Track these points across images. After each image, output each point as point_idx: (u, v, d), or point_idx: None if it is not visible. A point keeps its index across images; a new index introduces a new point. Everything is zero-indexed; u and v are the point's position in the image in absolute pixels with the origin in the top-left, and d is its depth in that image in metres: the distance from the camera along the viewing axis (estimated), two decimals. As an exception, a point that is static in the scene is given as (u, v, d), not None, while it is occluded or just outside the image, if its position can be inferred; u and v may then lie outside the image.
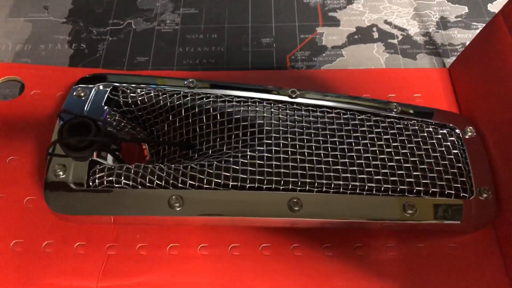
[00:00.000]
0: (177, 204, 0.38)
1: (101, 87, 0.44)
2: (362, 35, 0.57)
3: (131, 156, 0.46)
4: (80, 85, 0.45)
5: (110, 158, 0.42)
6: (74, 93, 0.44)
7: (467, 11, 0.59)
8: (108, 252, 0.42)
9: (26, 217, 0.43)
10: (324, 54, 0.56)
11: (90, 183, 0.39)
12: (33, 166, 0.45)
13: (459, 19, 0.59)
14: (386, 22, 0.58)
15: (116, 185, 0.39)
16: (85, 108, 0.43)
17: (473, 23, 0.58)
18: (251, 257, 0.42)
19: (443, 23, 0.58)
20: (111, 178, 0.39)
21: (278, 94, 0.45)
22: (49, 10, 0.60)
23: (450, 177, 0.42)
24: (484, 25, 0.47)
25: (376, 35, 0.57)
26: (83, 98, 0.44)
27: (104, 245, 0.42)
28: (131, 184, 0.39)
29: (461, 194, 0.41)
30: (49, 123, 0.46)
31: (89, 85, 0.45)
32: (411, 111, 0.46)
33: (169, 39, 0.57)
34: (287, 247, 0.42)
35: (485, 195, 0.42)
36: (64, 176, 0.39)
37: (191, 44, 0.57)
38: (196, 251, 0.42)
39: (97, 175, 0.39)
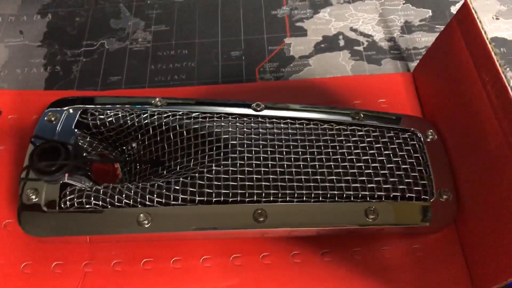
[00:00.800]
0: (146, 221, 0.40)
1: (71, 111, 0.46)
2: (329, 44, 0.59)
3: (105, 175, 0.47)
4: (51, 110, 0.46)
5: (83, 178, 0.43)
6: (45, 118, 0.46)
7: (430, 14, 0.61)
8: (84, 270, 0.43)
9: (4, 240, 0.44)
10: (292, 65, 0.57)
11: (62, 205, 0.41)
12: (10, 190, 0.47)
13: (423, 22, 0.60)
14: (352, 29, 0.60)
15: (87, 206, 0.41)
16: (56, 132, 0.45)
17: (437, 26, 0.60)
18: (223, 267, 0.43)
19: (408, 27, 0.60)
20: (81, 200, 0.40)
21: (243, 107, 0.47)
22: (24, 35, 0.61)
23: (411, 180, 0.43)
24: (444, 28, 0.49)
25: (342, 43, 0.59)
26: (53, 122, 0.45)
27: (80, 263, 0.43)
28: (100, 204, 0.40)
29: (422, 197, 0.43)
30: (25, 147, 0.48)
31: (61, 109, 0.46)
32: (374, 117, 0.47)
33: (141, 57, 0.59)
34: (256, 256, 0.44)
35: (445, 197, 0.43)
36: (36, 199, 0.41)
37: (163, 61, 0.58)
38: (169, 264, 0.43)
39: (68, 197, 0.41)
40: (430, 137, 0.47)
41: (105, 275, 0.43)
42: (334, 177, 0.43)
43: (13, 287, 0.42)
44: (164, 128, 0.45)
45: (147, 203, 0.41)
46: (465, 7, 0.45)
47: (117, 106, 0.46)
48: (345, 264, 0.43)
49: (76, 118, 0.45)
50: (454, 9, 0.61)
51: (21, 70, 0.58)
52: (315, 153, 0.44)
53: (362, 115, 0.47)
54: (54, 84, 0.57)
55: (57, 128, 0.45)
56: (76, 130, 0.45)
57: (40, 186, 0.41)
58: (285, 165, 0.43)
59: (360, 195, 0.42)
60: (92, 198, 0.40)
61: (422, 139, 0.46)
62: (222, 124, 0.45)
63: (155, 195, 0.41)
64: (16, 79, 0.57)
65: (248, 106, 0.47)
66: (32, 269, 0.43)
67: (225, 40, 0.60)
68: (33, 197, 0.41)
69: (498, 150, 0.39)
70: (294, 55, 0.58)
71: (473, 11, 0.44)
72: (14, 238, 0.44)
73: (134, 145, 0.46)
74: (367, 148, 0.45)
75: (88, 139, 0.46)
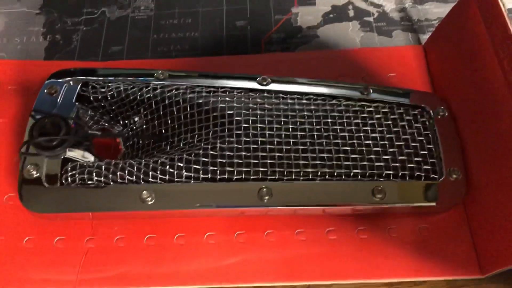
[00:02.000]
0: (149, 199, 0.39)
1: (71, 83, 0.45)
2: (338, 14, 0.57)
3: (107, 150, 0.46)
4: (51, 81, 0.45)
5: (85, 153, 0.42)
6: (45, 91, 0.44)
7: (444, -17, 0.58)
8: (87, 245, 0.43)
9: (6, 214, 0.44)
10: (299, 36, 0.55)
11: (63, 181, 0.40)
12: (11, 163, 0.46)
13: (437, -8, 0.58)
14: (362, -2, 0.58)
15: (89, 182, 0.40)
16: (57, 105, 0.43)
17: (450, -4, 0.57)
18: (227, 244, 0.43)
19: (420, -3, 0.57)
20: (83, 176, 0.40)
21: (249, 81, 0.45)
22: (22, 1, 0.59)
23: (420, 159, 0.42)
24: (459, -1, 0.46)
25: (351, 13, 0.56)
26: (54, 95, 0.44)
27: (83, 239, 0.43)
28: (103, 180, 0.40)
29: (431, 176, 0.42)
30: (25, 119, 0.47)
31: (62, 80, 0.45)
32: (383, 93, 0.46)
33: (144, 26, 0.57)
34: (261, 233, 0.43)
35: (454, 176, 0.42)
36: (37, 175, 0.40)
37: (166, 30, 0.56)
38: (172, 241, 0.43)
39: (69, 173, 0.40)
40: (441, 114, 0.45)
41: (108, 251, 0.43)
42: (342, 155, 0.42)
43: (15, 261, 0.42)
44: (167, 102, 0.43)
45: (150, 179, 0.40)
46: (483, -22, 0.43)
47: (119, 78, 0.45)
48: (351, 242, 0.43)
49: (77, 91, 0.44)
50: (469, -22, 0.58)
51: (20, 39, 0.56)
52: (322, 130, 0.43)
53: (371, 90, 0.45)
54: (54, 54, 0.55)
55: (58, 101, 0.44)
56: (77, 103, 0.44)
57: (41, 161, 0.41)
58: (292, 142, 0.42)
59: (367, 174, 0.41)
60: (94, 174, 0.40)
61: (432, 116, 0.45)
62: (227, 99, 0.44)
63: (158, 172, 0.40)
64: (15, 48, 0.56)
65: (253, 79, 0.45)
66: (35, 244, 0.43)
67: (230, 9, 0.58)
68: (34, 172, 0.40)
69: (512, 130, 0.38)
70: (302, 25, 0.56)
71: (491, -18, 0.42)
72: (16, 212, 0.44)
73: (136, 119, 0.45)
74: (376, 125, 0.43)
75: (89, 113, 0.45)
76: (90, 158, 0.42)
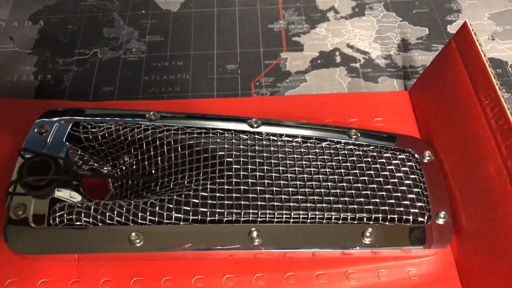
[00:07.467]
0: (137, 240, 0.38)
1: (62, 122, 0.45)
2: (325, 60, 0.58)
3: (95, 190, 0.46)
4: (41, 120, 0.45)
5: (74, 194, 0.42)
6: (35, 130, 0.44)
7: (427, 32, 0.61)
8: (72, 288, 0.42)
9: (-12, 255, 0.43)
10: (288, 80, 0.56)
11: (51, 222, 0.39)
12: (-4, 203, 0.45)
13: (420, 41, 0.60)
14: (348, 45, 0.59)
15: (77, 223, 0.39)
16: (47, 145, 0.43)
17: (433, 45, 0.59)
18: (215, 288, 0.42)
19: (404, 45, 0.59)
20: (71, 216, 0.39)
21: (240, 123, 0.46)
22: (14, 41, 0.60)
23: (408, 202, 0.43)
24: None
25: (338, 59, 0.58)
26: (44, 134, 0.44)
27: (68, 281, 0.42)
28: (91, 221, 0.39)
29: (419, 219, 0.42)
30: (13, 159, 0.46)
31: (52, 119, 0.45)
32: (371, 137, 0.47)
33: (135, 67, 0.58)
34: (250, 277, 0.43)
35: (442, 220, 0.42)
36: (24, 215, 0.39)
37: (157, 72, 0.57)
38: (160, 284, 0.42)
39: (57, 214, 0.39)
40: (427, 158, 0.46)
41: (93, 294, 0.42)
42: (331, 198, 0.42)
43: (-4, 305, 0.41)
44: (158, 143, 0.44)
45: (139, 221, 0.39)
46: (465, 28, 0.45)
47: (110, 119, 0.45)
48: (340, 286, 0.42)
49: (68, 131, 0.44)
50: (450, 28, 0.61)
51: (11, 77, 0.57)
52: (312, 172, 0.43)
53: (359, 134, 0.46)
54: (44, 93, 0.55)
55: (48, 141, 0.44)
56: (67, 143, 0.44)
57: (28, 201, 0.40)
58: (282, 184, 0.42)
59: (357, 217, 0.41)
60: (83, 215, 0.39)
61: (419, 160, 0.46)
62: (218, 140, 0.44)
63: (147, 213, 0.39)
64: (6, 87, 0.56)
65: (244, 122, 0.46)
66: (17, 287, 0.42)
67: (220, 52, 0.59)
68: (20, 212, 0.39)
69: (496, 174, 0.39)
70: (290, 70, 0.57)
71: (473, 33, 0.44)
72: (-1, 253, 0.43)
73: (126, 159, 0.45)
74: (364, 169, 0.44)
75: (79, 152, 0.45)
76: (78, 198, 0.42)
